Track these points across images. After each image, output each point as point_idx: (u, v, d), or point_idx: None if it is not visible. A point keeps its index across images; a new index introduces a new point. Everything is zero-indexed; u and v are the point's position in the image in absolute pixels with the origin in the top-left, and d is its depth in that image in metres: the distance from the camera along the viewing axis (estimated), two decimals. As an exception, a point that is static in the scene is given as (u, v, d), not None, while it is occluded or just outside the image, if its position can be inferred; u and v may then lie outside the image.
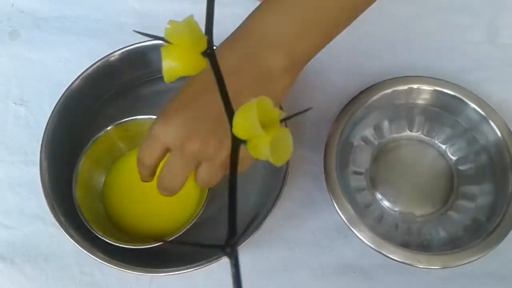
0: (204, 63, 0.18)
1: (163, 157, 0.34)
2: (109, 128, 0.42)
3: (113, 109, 0.47)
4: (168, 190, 0.35)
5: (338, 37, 0.52)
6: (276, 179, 0.42)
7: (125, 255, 0.39)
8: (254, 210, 0.44)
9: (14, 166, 0.47)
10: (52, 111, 0.42)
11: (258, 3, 0.33)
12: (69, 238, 0.38)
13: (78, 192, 0.41)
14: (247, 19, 0.33)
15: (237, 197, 0.47)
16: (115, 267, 0.38)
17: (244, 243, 0.39)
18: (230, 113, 0.18)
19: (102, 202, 0.44)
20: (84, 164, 0.42)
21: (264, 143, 0.16)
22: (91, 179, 0.43)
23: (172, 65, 0.18)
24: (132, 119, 0.42)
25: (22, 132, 0.48)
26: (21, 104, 0.50)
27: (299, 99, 0.50)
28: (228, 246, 0.18)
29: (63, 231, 0.39)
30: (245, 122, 0.16)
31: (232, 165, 0.18)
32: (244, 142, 0.17)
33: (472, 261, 0.40)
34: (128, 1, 0.53)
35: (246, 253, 0.45)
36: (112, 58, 0.44)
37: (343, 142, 0.45)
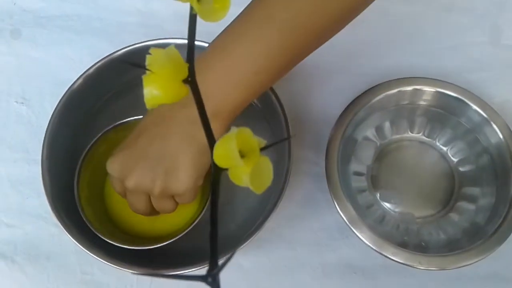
0: (186, 90, 0.19)
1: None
2: (109, 128, 0.42)
3: (114, 108, 0.47)
4: (142, 214, 0.38)
5: (340, 38, 0.52)
6: (277, 180, 0.42)
7: (126, 255, 0.39)
8: (256, 210, 0.44)
9: (15, 164, 0.47)
10: (54, 110, 0.42)
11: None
12: (70, 237, 0.38)
13: (80, 192, 0.41)
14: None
15: (239, 196, 0.48)
16: (116, 266, 0.38)
17: (245, 244, 0.39)
18: (211, 142, 0.18)
19: (103, 203, 0.44)
20: (85, 165, 0.42)
21: (244, 172, 0.17)
22: (93, 180, 0.43)
23: (153, 93, 0.18)
24: (132, 119, 0.42)
25: (23, 130, 0.48)
26: (22, 103, 0.50)
27: (304, 99, 0.50)
28: (209, 276, 0.18)
29: (64, 230, 0.39)
30: (224, 152, 0.17)
31: (213, 194, 0.19)
32: (225, 170, 0.18)
33: (473, 263, 0.40)
34: (130, 0, 0.53)
35: (248, 253, 0.45)
36: (115, 57, 0.44)
37: (345, 142, 0.45)
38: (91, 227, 0.39)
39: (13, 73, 0.51)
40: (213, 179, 0.18)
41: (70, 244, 0.44)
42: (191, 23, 0.19)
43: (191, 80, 0.19)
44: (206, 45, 0.42)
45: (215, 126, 0.35)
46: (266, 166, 0.18)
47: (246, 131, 0.17)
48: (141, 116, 0.42)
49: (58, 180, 0.41)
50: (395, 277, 0.44)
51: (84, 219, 0.40)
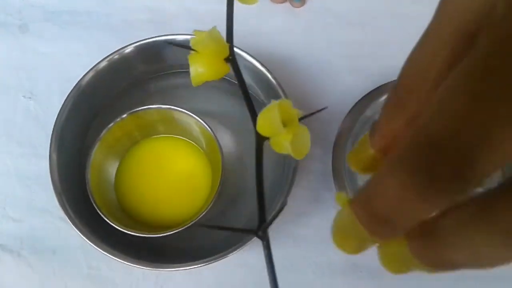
0: (227, 68, 0.21)
1: None
2: (124, 116, 0.42)
3: (122, 104, 0.47)
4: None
5: (349, 38, 0.52)
6: (285, 177, 0.42)
7: (132, 251, 0.39)
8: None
9: (23, 159, 0.47)
10: (63, 104, 0.42)
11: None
12: (77, 231, 0.38)
13: (92, 179, 0.41)
14: None
15: (247, 197, 0.47)
16: (122, 261, 0.38)
17: (250, 241, 0.39)
18: (253, 114, 0.20)
19: (114, 191, 0.44)
20: (98, 151, 0.41)
21: (286, 139, 0.19)
22: (104, 166, 0.43)
23: (198, 71, 0.20)
24: (147, 108, 0.42)
25: (31, 125, 0.49)
26: (30, 98, 0.50)
27: (311, 98, 0.50)
28: (260, 230, 0.21)
29: (71, 224, 0.39)
30: (268, 122, 0.19)
31: (257, 159, 0.21)
32: (267, 139, 0.20)
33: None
34: (139, -4, 0.53)
35: (254, 251, 0.45)
36: (126, 51, 0.44)
37: (352, 140, 0.45)
38: (102, 215, 0.39)
39: (21, 68, 0.51)
40: (257, 147, 0.20)
41: (76, 239, 0.44)
42: (229, 6, 0.20)
43: (232, 59, 0.20)
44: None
45: None
46: (305, 135, 0.19)
47: (286, 102, 0.19)
48: (155, 106, 0.42)
49: (65, 175, 0.42)
50: (401, 276, 0.44)
51: (95, 206, 0.39)
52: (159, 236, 0.39)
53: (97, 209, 0.39)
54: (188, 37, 0.44)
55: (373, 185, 0.14)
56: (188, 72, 0.52)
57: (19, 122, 0.49)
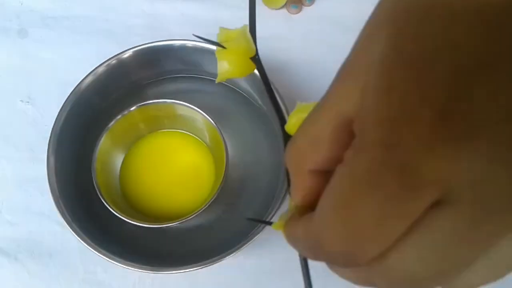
0: (253, 66, 0.21)
1: None
2: (132, 108, 0.43)
3: (119, 109, 0.47)
4: None
5: (345, 43, 0.52)
6: (281, 180, 0.42)
7: (128, 255, 0.40)
8: (260, 211, 0.44)
9: (21, 163, 0.48)
10: (61, 108, 0.42)
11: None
12: (74, 233, 0.38)
13: (97, 169, 0.41)
14: None
15: (242, 200, 0.47)
16: (118, 264, 0.38)
17: (248, 244, 0.39)
18: (280, 113, 0.21)
19: (119, 183, 0.45)
20: (105, 141, 0.42)
21: None
22: (110, 158, 0.44)
23: (226, 67, 0.21)
24: (155, 102, 0.43)
25: (29, 129, 0.49)
26: (28, 102, 0.50)
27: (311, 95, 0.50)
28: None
29: (67, 226, 0.39)
30: (298, 122, 0.19)
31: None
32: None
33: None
34: (137, 2, 0.54)
35: (250, 254, 0.45)
36: (124, 56, 0.44)
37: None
38: (107, 205, 0.39)
39: (19, 72, 0.51)
40: (285, 145, 0.20)
41: (73, 243, 0.45)
42: (251, 7, 0.21)
43: (257, 58, 0.21)
44: (207, 45, 0.43)
45: None
46: None
47: (315, 104, 0.19)
48: (162, 100, 0.43)
49: (63, 178, 0.42)
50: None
51: (100, 197, 0.40)
52: (162, 227, 0.40)
53: (101, 198, 0.40)
54: (186, 42, 0.44)
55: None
56: (185, 78, 0.52)
57: (17, 126, 0.49)
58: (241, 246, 0.39)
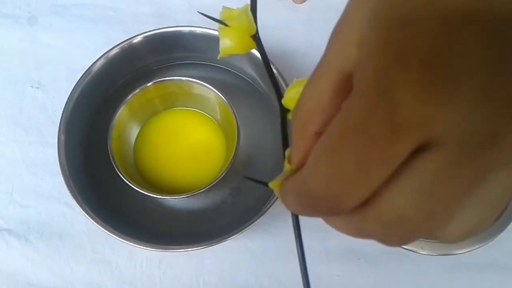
0: (253, 44, 0.22)
1: None
2: (149, 84, 0.44)
3: (128, 93, 0.48)
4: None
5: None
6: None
7: (135, 235, 0.41)
8: (263, 195, 0.45)
9: (30, 146, 0.49)
10: (73, 88, 0.43)
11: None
12: (83, 212, 0.39)
13: (113, 138, 0.43)
14: None
15: (247, 184, 0.48)
16: (126, 242, 0.39)
17: (250, 226, 0.40)
18: (277, 89, 0.22)
19: (133, 154, 0.46)
20: (122, 113, 0.44)
21: None
22: (126, 130, 0.46)
23: (228, 44, 0.22)
24: (170, 79, 0.45)
25: (38, 114, 0.50)
26: (37, 87, 0.51)
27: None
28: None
29: (77, 205, 0.40)
30: (296, 96, 0.19)
31: (282, 130, 0.22)
32: (290, 111, 0.21)
33: (474, 249, 0.41)
34: (144, -10, 0.55)
35: (254, 238, 0.46)
36: (134, 41, 0.45)
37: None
38: (122, 177, 0.41)
39: (29, 59, 0.52)
40: (281, 119, 0.22)
41: (82, 224, 0.46)
42: None
43: (257, 37, 0.22)
44: (215, 32, 0.44)
45: None
46: None
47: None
48: (179, 77, 0.45)
49: (73, 161, 0.43)
50: (397, 262, 0.45)
51: (116, 168, 0.41)
52: (172, 200, 0.41)
53: (114, 166, 0.41)
54: (193, 29, 0.45)
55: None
56: (193, 64, 0.53)
57: (26, 111, 0.50)
58: (245, 227, 0.40)
